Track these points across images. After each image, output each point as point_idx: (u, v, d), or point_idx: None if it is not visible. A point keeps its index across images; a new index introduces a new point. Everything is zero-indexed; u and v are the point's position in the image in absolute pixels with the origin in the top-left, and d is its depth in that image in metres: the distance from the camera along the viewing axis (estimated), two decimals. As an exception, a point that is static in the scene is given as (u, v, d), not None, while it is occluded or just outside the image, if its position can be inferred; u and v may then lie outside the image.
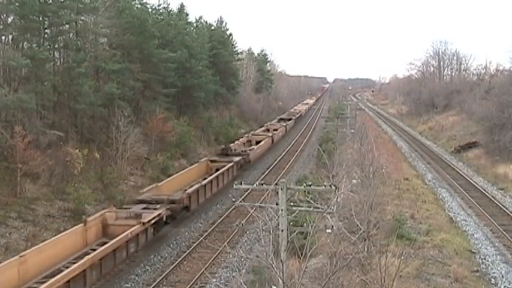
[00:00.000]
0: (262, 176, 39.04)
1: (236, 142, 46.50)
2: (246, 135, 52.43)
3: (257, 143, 48.41)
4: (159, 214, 23.45)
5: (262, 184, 15.40)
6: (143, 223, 21.84)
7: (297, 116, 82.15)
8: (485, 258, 23.29)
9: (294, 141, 61.30)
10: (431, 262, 21.92)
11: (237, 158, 37.75)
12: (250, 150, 43.23)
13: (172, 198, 26.12)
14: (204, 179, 31.99)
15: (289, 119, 73.58)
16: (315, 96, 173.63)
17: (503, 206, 32.46)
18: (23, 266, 17.30)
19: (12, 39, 30.46)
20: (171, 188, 29.20)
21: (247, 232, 26.14)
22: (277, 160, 47.70)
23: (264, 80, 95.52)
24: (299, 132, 69.87)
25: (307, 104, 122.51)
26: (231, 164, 35.41)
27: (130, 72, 38.55)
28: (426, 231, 25.97)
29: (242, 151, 41.53)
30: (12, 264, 17.08)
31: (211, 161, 37.31)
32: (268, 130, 59.05)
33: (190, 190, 27.79)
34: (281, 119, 72.19)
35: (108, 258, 19.40)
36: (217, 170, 34.12)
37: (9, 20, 29.99)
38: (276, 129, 59.13)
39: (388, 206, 28.72)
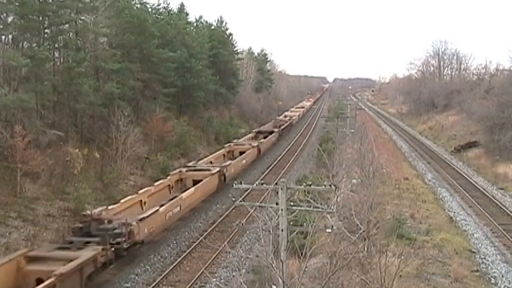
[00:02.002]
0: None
1: (160, 182, 28.62)
2: (179, 169, 32.37)
3: (195, 183, 29.23)
4: None
5: (262, 184, 15.41)
6: None
7: (285, 125, 63.21)
8: (485, 258, 23.28)
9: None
10: (431, 262, 21.90)
11: (82, 258, 17.09)
12: (140, 221, 21.00)
13: None
14: None
15: (271, 132, 53.66)
16: (314, 97, 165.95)
17: (503, 205, 32.46)
18: None
19: (12, 39, 30.42)
20: None
21: (247, 232, 26.14)
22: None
23: (264, 79, 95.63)
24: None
25: (302, 107, 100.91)
26: (47, 282, 15.18)
27: (130, 72, 38.59)
28: (426, 230, 25.99)
29: (122, 223, 20.08)
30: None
31: (31, 259, 17.40)
32: (231, 153, 41.68)
33: None
34: (259, 132, 53.28)
35: None
36: (39, 281, 15.78)
37: (9, 19, 29.94)
38: (243, 152, 40.67)
39: (388, 205, 28.77)
